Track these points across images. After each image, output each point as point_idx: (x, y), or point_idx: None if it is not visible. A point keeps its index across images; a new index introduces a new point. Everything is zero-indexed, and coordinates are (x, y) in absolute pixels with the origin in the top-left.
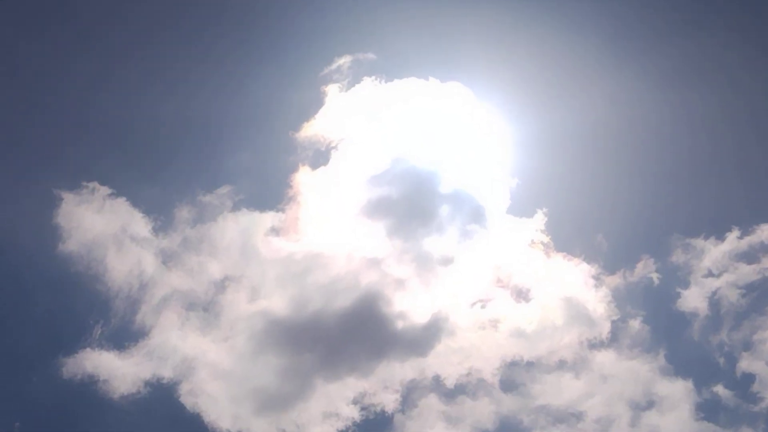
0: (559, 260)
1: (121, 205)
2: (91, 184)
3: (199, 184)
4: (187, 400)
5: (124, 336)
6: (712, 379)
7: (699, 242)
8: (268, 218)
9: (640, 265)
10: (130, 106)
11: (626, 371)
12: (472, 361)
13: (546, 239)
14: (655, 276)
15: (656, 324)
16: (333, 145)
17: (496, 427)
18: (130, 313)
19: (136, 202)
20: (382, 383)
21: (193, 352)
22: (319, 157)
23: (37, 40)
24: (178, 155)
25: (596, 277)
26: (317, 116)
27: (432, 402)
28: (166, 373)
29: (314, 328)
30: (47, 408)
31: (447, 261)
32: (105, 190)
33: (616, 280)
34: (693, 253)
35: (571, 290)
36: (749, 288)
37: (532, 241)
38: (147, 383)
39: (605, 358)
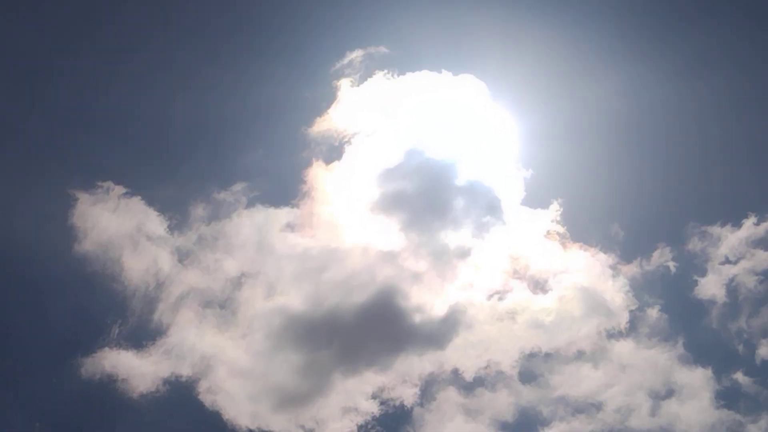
0: (576, 250)
1: (136, 204)
2: (106, 184)
3: (214, 181)
4: (206, 398)
5: (142, 335)
6: (732, 366)
7: (715, 229)
8: (283, 214)
9: (656, 254)
10: (142, 105)
11: (645, 360)
12: (491, 354)
13: (562, 230)
14: (671, 264)
15: (674, 312)
16: (346, 139)
17: (516, 419)
18: (148, 311)
19: (151, 201)
20: (400, 377)
21: (211, 350)
22: (333, 151)
23: (51, 42)
24: (191, 153)
25: (613, 267)
26: (330, 111)
27: (451, 395)
28: (185, 371)
29: (331, 323)
30: (67, 408)
31: (463, 253)
32: (120, 190)
33: (632, 269)
34: (709, 241)
35: (588, 280)
36: (767, 274)
37: (548, 232)
38: (165, 381)
39: (624, 348)
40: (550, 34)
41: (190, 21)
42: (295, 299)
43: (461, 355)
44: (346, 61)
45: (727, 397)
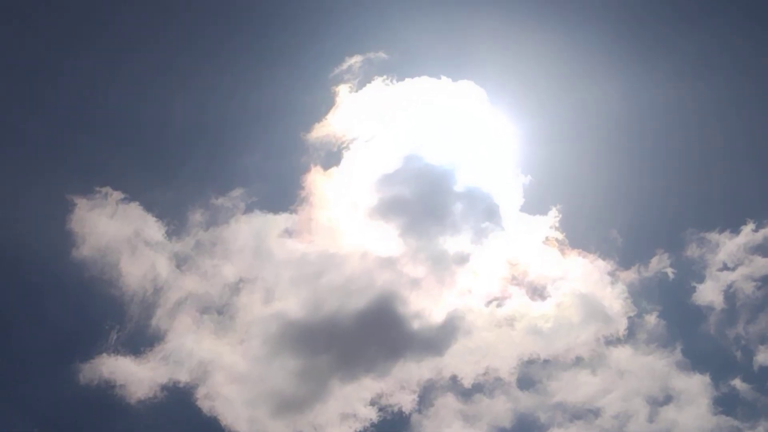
0: (574, 257)
1: (134, 209)
2: (104, 189)
3: (212, 187)
4: (204, 403)
5: (140, 341)
6: (730, 372)
7: (713, 236)
8: (281, 220)
9: (654, 260)
10: (141, 110)
11: (643, 367)
12: (489, 360)
13: (560, 236)
14: (670, 271)
15: (672, 319)
16: (345, 145)
17: (514, 425)
18: (145, 317)
19: (149, 207)
20: (398, 383)
21: (209, 356)
22: (331, 157)
23: (50, 45)
24: (190, 158)
25: (611, 273)
26: (328, 116)
27: (449, 401)
28: (183, 377)
29: (330, 329)
30: (65, 414)
31: (462, 259)
32: (118, 195)
33: (631, 275)
34: (708, 247)
35: (586, 287)
36: (765, 280)
37: (547, 238)
38: (163, 387)
39: (622, 354)
40: (549, 41)
41: (189, 26)
42: (293, 305)
43: (459, 361)
44: (345, 66)
45: (725, 404)
